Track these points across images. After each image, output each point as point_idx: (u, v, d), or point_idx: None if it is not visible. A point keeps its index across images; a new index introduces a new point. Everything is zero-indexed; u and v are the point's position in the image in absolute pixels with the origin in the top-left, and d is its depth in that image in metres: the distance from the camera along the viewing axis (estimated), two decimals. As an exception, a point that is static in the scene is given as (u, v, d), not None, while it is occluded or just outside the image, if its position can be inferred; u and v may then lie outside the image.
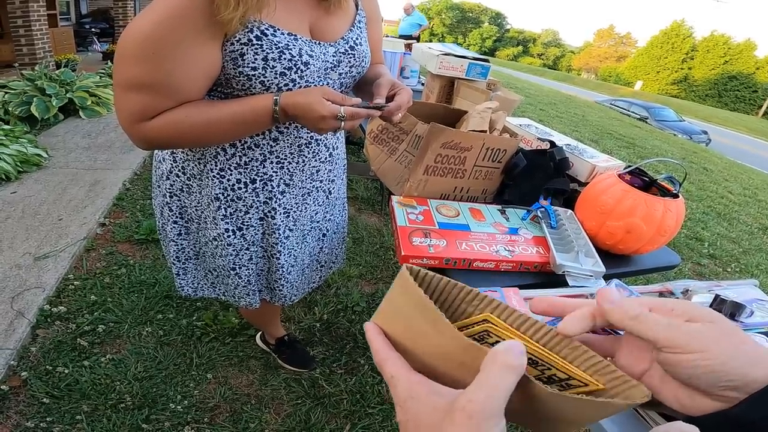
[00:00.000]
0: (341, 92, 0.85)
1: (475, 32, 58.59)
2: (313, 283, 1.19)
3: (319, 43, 0.78)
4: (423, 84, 2.56)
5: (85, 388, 1.36)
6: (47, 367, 1.41)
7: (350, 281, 2.04)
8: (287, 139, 0.86)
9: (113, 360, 1.47)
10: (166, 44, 0.63)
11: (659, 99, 25.74)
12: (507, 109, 1.55)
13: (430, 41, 4.05)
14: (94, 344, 1.53)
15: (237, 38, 0.68)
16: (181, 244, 0.99)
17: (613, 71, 48.48)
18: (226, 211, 0.88)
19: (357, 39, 0.85)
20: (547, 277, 0.91)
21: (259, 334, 1.59)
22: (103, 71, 4.74)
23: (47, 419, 1.27)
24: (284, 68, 0.72)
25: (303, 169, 0.92)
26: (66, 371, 1.40)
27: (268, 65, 0.70)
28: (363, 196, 2.90)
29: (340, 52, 0.82)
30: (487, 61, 1.76)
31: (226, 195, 0.87)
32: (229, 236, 0.91)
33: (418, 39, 5.67)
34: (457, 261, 0.90)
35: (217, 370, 1.49)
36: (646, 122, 11.60)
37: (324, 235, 1.11)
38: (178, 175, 0.88)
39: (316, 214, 1.03)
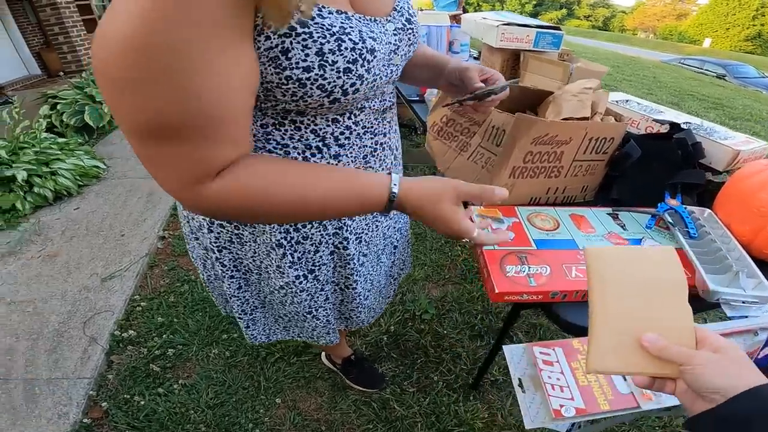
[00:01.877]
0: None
1: (512, -2, 54.95)
2: (389, 298, 1.07)
3: (375, 20, 0.56)
4: (475, 58, 2.30)
5: (163, 418, 1.34)
6: (125, 396, 1.41)
7: (416, 285, 1.89)
8: (351, 153, 0.66)
9: (185, 386, 1.45)
10: (181, 51, 0.37)
11: (733, 56, 23.19)
12: (592, 81, 1.29)
13: (465, 11, 3.69)
14: (166, 369, 1.51)
15: (273, 29, 0.45)
16: (244, 297, 0.86)
17: (674, 30, 44.96)
18: (293, 257, 0.72)
19: (409, 9, 0.64)
20: (691, 303, 0.70)
21: (324, 352, 1.50)
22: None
23: (130, 452, 1.27)
24: (348, 62, 0.50)
25: None
26: (143, 402, 1.39)
27: (326, 61, 0.48)
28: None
29: (398, 29, 0.60)
30: (558, 29, 1.50)
31: (289, 239, 0.70)
32: (301, 282, 0.77)
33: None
34: (567, 294, 0.71)
35: (285, 394, 1.42)
36: (725, 80, 10.44)
37: (395, 247, 0.96)
38: (222, 226, 0.70)
39: (387, 229, 0.88)
